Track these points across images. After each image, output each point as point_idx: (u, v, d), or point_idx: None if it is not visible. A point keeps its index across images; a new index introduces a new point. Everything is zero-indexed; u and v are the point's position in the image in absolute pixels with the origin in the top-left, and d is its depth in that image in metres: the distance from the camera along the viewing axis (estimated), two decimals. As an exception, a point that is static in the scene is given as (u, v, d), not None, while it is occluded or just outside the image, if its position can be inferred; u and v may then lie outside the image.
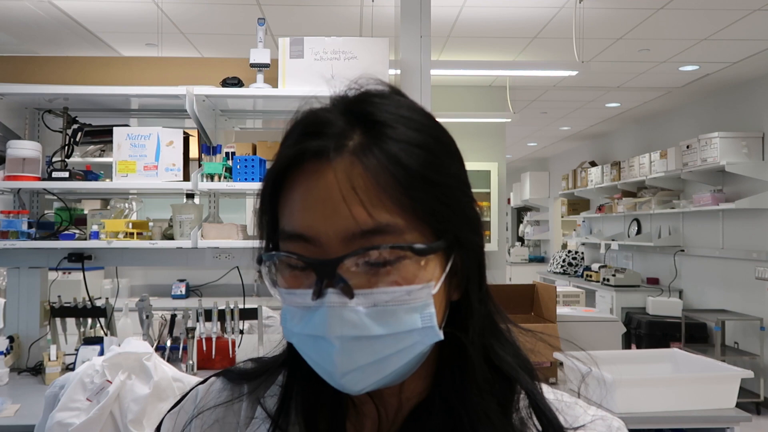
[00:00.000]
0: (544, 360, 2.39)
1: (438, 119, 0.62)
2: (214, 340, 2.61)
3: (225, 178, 2.49)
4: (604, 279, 7.30)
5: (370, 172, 0.54)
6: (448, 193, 0.57)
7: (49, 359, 2.46)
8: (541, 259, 11.19)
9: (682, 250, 6.67)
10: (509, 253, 10.73)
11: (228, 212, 3.05)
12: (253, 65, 2.55)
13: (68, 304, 2.70)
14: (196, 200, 2.74)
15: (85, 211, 2.79)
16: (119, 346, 1.85)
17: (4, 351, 2.52)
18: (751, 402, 5.23)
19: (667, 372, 2.42)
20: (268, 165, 2.54)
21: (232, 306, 2.66)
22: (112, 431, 1.71)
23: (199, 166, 2.58)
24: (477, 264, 0.60)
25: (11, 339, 2.63)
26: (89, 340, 2.54)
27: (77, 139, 2.68)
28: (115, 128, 2.54)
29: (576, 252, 9.20)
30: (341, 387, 0.56)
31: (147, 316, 2.60)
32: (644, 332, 6.15)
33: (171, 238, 2.59)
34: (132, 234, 2.51)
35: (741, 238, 5.74)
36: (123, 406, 1.71)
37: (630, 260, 8.00)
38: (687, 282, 6.70)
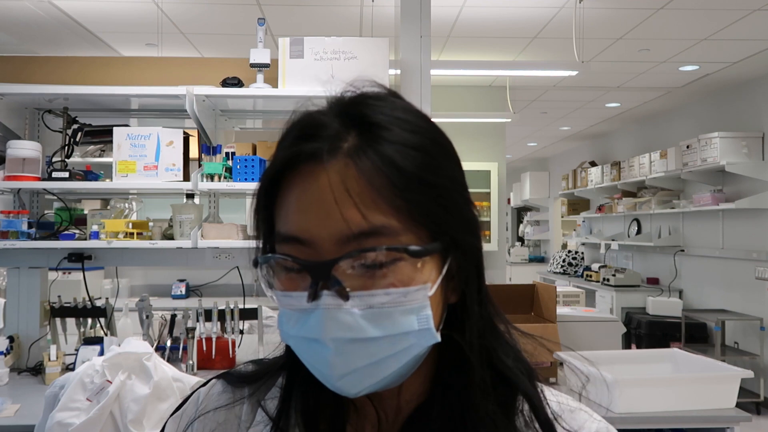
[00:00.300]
0: (544, 360, 2.39)
1: (438, 119, 0.62)
2: (214, 340, 2.61)
3: (225, 178, 2.49)
4: (604, 279, 7.30)
5: (364, 174, 0.54)
6: (444, 194, 0.57)
7: (49, 359, 2.46)
8: (541, 259, 11.19)
9: (682, 250, 6.67)
10: (509, 253, 10.73)
11: (228, 212, 3.05)
12: (253, 65, 2.55)
13: (68, 304, 2.70)
14: (196, 200, 2.74)
15: (85, 211, 2.79)
16: (119, 346, 1.86)
17: (4, 351, 2.52)
18: (751, 402, 5.23)
19: (667, 372, 2.42)
20: (268, 165, 2.54)
21: (232, 306, 2.66)
22: (112, 431, 1.71)
23: (199, 166, 2.58)
24: (475, 266, 0.60)
25: (11, 339, 2.63)
26: (89, 340, 2.54)
27: (77, 139, 2.68)
28: (115, 128, 2.54)
29: (576, 252, 9.19)
30: (338, 390, 0.56)
31: (147, 316, 2.60)
32: (644, 332, 6.15)
33: (171, 238, 2.59)
34: (132, 234, 2.51)
35: (741, 238, 5.74)
36: (123, 406, 1.71)
37: (630, 260, 8.00)
38: (687, 282, 6.70)
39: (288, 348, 0.64)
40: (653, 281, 7.17)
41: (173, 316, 2.67)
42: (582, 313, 2.88)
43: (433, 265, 0.56)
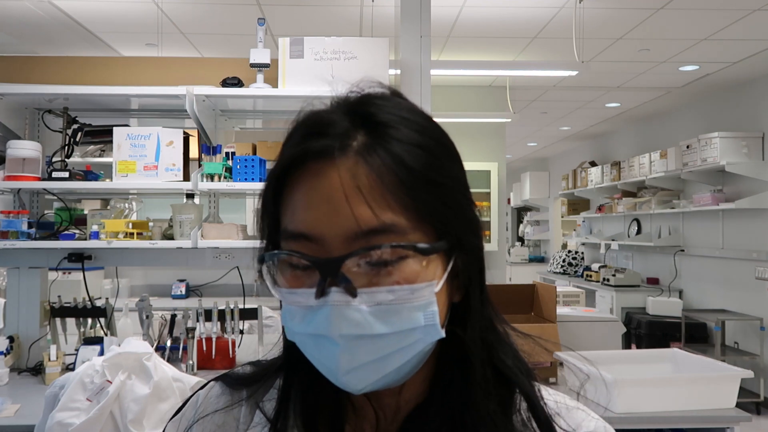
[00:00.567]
0: (543, 360, 2.39)
1: (438, 119, 0.62)
2: (214, 340, 2.61)
3: (225, 178, 2.49)
4: (604, 279, 7.30)
5: (375, 172, 0.54)
6: (449, 194, 0.57)
7: (49, 359, 2.46)
8: (541, 259, 11.19)
9: (682, 250, 6.67)
10: (509, 253, 10.72)
11: (228, 212, 3.05)
12: (253, 65, 2.55)
13: (68, 304, 2.70)
14: (196, 200, 2.74)
15: (85, 211, 2.79)
16: (119, 346, 1.85)
17: (4, 351, 2.52)
18: (751, 402, 5.23)
19: (667, 372, 2.42)
20: (268, 165, 2.55)
21: (232, 306, 2.66)
22: (112, 431, 1.71)
23: (199, 166, 2.58)
24: (478, 266, 0.61)
25: (11, 339, 2.63)
26: (89, 340, 2.54)
27: (77, 139, 2.68)
28: (115, 128, 2.54)
29: (576, 252, 9.19)
30: (343, 385, 0.56)
31: (147, 316, 2.60)
32: (644, 332, 6.15)
33: (171, 238, 2.59)
34: (132, 234, 2.51)
35: (741, 238, 5.74)
36: (123, 406, 1.71)
37: (630, 260, 8.00)
38: (687, 282, 6.70)
39: (286, 349, 0.64)
40: (653, 281, 7.17)
41: (173, 316, 2.67)
42: (582, 313, 2.88)
43: (439, 263, 0.57)
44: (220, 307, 2.67)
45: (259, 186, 0.63)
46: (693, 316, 5.92)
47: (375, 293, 0.54)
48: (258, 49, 2.56)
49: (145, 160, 2.50)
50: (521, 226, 12.35)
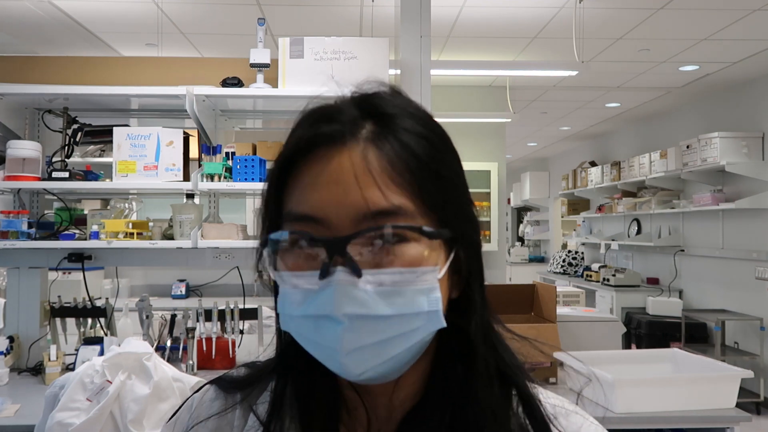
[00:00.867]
0: (544, 360, 2.39)
1: (438, 119, 0.63)
2: (214, 340, 2.61)
3: (225, 178, 2.49)
4: (604, 279, 7.30)
5: (385, 157, 0.56)
6: (452, 187, 0.59)
7: (49, 359, 2.46)
8: (541, 259, 11.19)
9: (682, 250, 6.67)
10: (509, 253, 10.72)
11: (228, 212, 3.05)
12: (253, 65, 2.55)
13: (68, 304, 2.70)
14: (196, 200, 2.74)
15: (85, 211, 2.79)
16: (119, 346, 1.85)
17: (4, 351, 2.52)
18: (751, 402, 5.23)
19: (667, 372, 2.42)
20: (268, 165, 2.55)
21: (232, 306, 2.66)
22: (112, 431, 1.71)
23: (199, 166, 2.58)
24: (478, 261, 0.62)
25: (11, 339, 2.63)
26: (89, 340, 2.54)
27: (77, 139, 2.68)
28: (115, 128, 2.54)
29: (576, 252, 9.19)
30: (342, 368, 0.55)
31: (147, 316, 2.60)
32: (644, 332, 6.15)
33: (171, 238, 2.59)
34: (132, 234, 2.51)
35: (741, 238, 5.74)
36: (123, 406, 1.71)
37: (630, 260, 7.99)
38: (687, 282, 6.70)
39: (279, 350, 0.64)
40: (653, 281, 7.17)
41: (173, 316, 2.67)
42: (582, 313, 2.88)
43: (441, 253, 0.58)
44: (220, 307, 2.67)
45: (260, 186, 0.64)
46: (693, 316, 5.92)
47: (380, 274, 0.54)
48: (258, 49, 2.56)
49: (145, 160, 2.50)
50: (521, 226, 12.35)
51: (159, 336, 2.64)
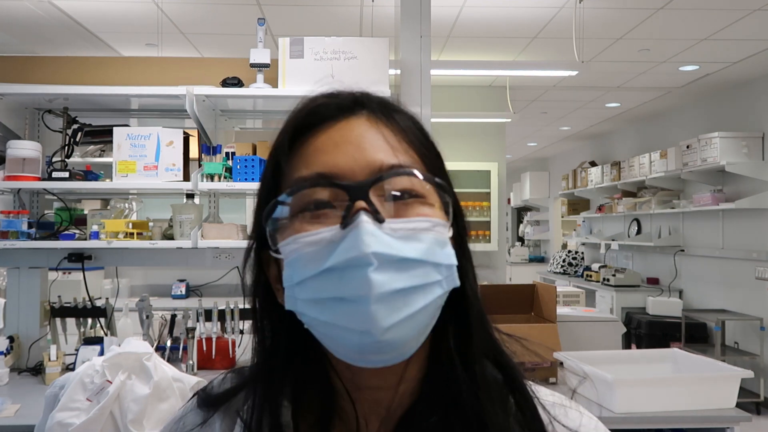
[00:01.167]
0: (544, 360, 2.39)
1: (438, 119, 0.65)
2: (214, 340, 2.61)
3: (225, 178, 2.49)
4: (604, 279, 7.30)
5: (394, 126, 0.60)
6: (446, 177, 0.62)
7: (49, 359, 2.46)
8: (541, 259, 11.19)
9: (682, 250, 6.67)
10: (509, 253, 10.72)
11: (228, 212, 3.05)
12: (253, 65, 2.55)
13: (68, 304, 2.70)
14: (196, 200, 2.74)
15: (85, 211, 2.79)
16: (119, 346, 1.85)
17: (4, 351, 2.52)
18: (751, 402, 5.23)
19: (667, 372, 2.42)
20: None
21: (232, 306, 2.66)
22: (112, 431, 1.71)
23: (199, 166, 2.58)
24: (468, 257, 0.63)
25: (11, 339, 2.63)
26: (89, 340, 2.54)
27: (77, 139, 2.68)
28: (115, 128, 2.54)
29: (576, 252, 9.19)
30: (370, 319, 0.52)
31: (147, 316, 2.60)
32: (644, 332, 6.15)
33: (171, 238, 2.59)
34: (132, 234, 2.51)
35: (741, 238, 5.73)
36: (123, 406, 1.71)
37: (630, 260, 7.99)
38: (687, 282, 6.70)
39: (261, 361, 0.63)
40: (653, 281, 7.17)
41: (173, 316, 2.67)
42: (582, 313, 2.88)
43: (446, 222, 0.60)
44: (220, 307, 2.67)
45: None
46: (693, 316, 5.92)
47: (398, 222, 0.55)
48: (258, 49, 2.56)
49: (145, 160, 2.50)
50: (521, 226, 12.35)
51: (159, 336, 2.64)
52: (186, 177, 2.56)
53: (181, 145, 2.56)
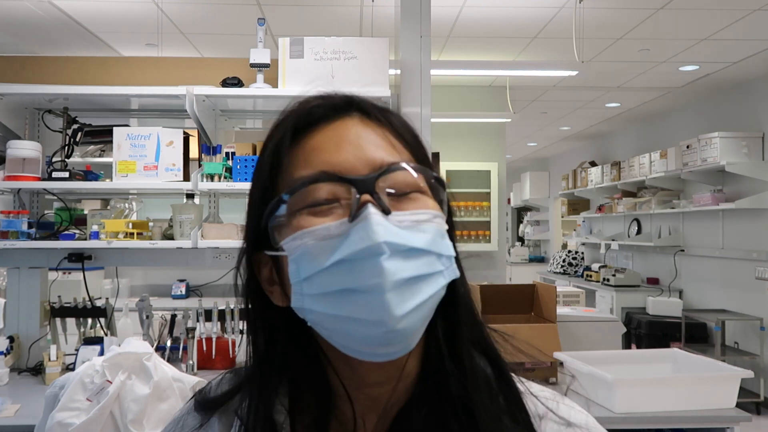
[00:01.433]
0: (544, 360, 2.39)
1: (438, 119, 0.66)
2: (214, 340, 2.61)
3: (225, 178, 2.49)
4: (604, 279, 7.30)
5: (387, 126, 0.62)
6: (438, 177, 0.63)
7: (49, 359, 2.46)
8: (541, 259, 11.19)
9: (682, 250, 6.67)
10: (509, 253, 10.72)
11: (228, 212, 3.05)
12: (253, 65, 2.55)
13: (68, 304, 2.70)
14: (196, 200, 2.74)
15: (85, 211, 2.79)
16: (119, 346, 1.85)
17: (4, 351, 2.52)
18: (751, 402, 5.23)
19: (667, 372, 2.42)
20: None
21: (232, 306, 2.66)
22: (112, 431, 1.71)
23: (199, 166, 2.58)
24: (457, 253, 0.63)
25: (11, 339, 2.63)
26: (89, 340, 2.54)
27: (77, 139, 2.68)
28: (115, 128, 2.54)
29: (576, 252, 9.19)
30: (385, 307, 0.52)
31: (147, 316, 2.60)
32: (644, 332, 6.15)
33: (171, 238, 2.59)
34: (132, 234, 2.51)
35: (741, 238, 5.73)
36: (123, 406, 1.71)
37: (630, 260, 7.99)
38: (687, 282, 6.70)
39: (255, 362, 0.63)
40: (653, 281, 7.17)
41: (173, 316, 2.67)
42: (582, 313, 2.88)
43: (443, 218, 0.61)
44: (220, 307, 2.67)
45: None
46: (693, 316, 5.92)
47: (403, 213, 0.56)
48: (258, 49, 2.56)
49: (145, 160, 2.50)
50: (521, 226, 12.35)
51: (159, 336, 2.64)
52: (186, 177, 2.56)
53: (181, 145, 2.56)
